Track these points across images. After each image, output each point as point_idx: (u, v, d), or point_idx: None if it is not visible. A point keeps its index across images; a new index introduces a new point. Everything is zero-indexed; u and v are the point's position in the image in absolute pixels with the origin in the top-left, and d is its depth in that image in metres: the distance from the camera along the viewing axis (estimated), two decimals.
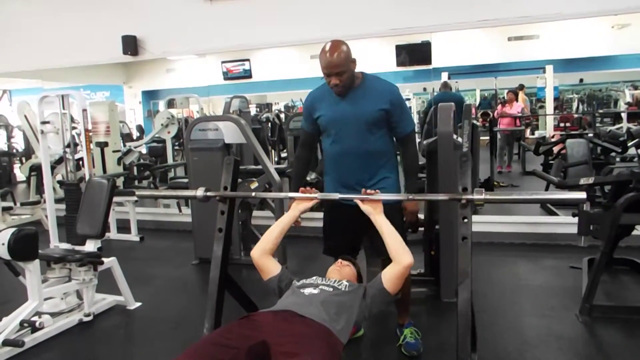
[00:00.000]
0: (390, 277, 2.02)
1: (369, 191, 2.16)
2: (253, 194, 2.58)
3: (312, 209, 2.32)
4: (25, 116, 6.50)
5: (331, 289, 2.01)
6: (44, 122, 4.79)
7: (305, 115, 2.72)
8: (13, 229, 2.86)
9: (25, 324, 2.91)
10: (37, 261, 2.95)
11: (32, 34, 6.07)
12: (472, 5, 4.44)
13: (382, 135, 2.57)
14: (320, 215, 2.82)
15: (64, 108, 4.76)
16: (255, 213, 4.90)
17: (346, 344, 1.88)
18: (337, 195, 2.26)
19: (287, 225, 2.26)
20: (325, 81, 2.52)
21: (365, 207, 2.14)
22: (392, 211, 2.35)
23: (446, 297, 3.37)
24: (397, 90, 2.59)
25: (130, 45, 5.54)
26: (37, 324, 2.95)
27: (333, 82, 2.43)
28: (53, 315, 3.19)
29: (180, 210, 5.93)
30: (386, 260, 2.11)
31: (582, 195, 1.91)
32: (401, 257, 2.02)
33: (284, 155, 8.45)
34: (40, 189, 6.21)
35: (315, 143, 2.84)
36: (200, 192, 2.31)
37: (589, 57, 9.47)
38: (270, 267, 2.17)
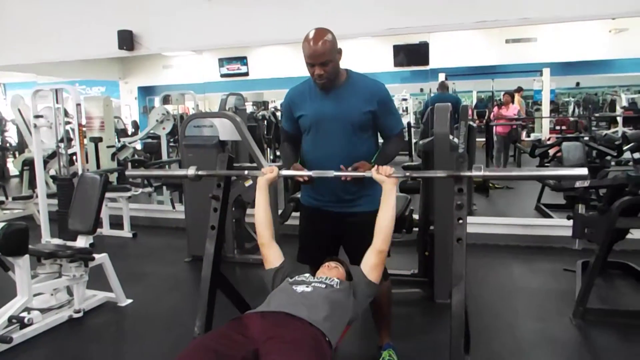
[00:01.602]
0: (370, 267, 2.04)
1: (381, 167, 2.11)
2: (246, 172, 2.65)
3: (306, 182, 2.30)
4: (19, 110, 6.44)
5: (324, 286, 1.98)
6: (37, 116, 4.75)
7: (285, 115, 2.52)
8: (3, 224, 2.83)
9: (14, 320, 2.88)
10: (26, 256, 2.92)
11: (27, 27, 6.01)
12: (471, 7, 4.42)
13: (368, 138, 2.40)
14: None
15: (57, 102, 4.72)
16: (249, 211, 4.87)
17: None
18: (331, 173, 2.19)
19: (265, 199, 2.23)
20: (306, 78, 2.38)
21: (378, 177, 2.10)
22: (371, 219, 2.12)
23: (440, 299, 3.36)
24: (384, 88, 2.41)
25: (126, 40, 5.49)
26: (26, 320, 2.93)
27: (317, 73, 2.23)
28: (42, 311, 3.15)
29: (174, 207, 5.90)
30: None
31: (584, 170, 1.90)
32: (380, 240, 2.03)
33: (279, 153, 8.42)
34: (32, 184, 6.15)
35: (299, 143, 2.53)
36: (191, 171, 2.33)
37: (586, 61, 9.50)
38: (274, 258, 2.16)
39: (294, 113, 2.44)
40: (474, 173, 1.95)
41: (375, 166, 2.13)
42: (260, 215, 2.21)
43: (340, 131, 2.32)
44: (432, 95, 6.96)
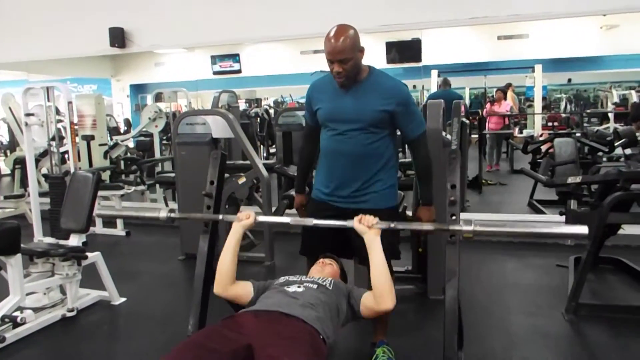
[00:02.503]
0: (367, 308, 1.97)
1: (363, 217, 2.02)
2: (220, 217, 2.32)
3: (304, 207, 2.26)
4: (10, 108, 6.40)
5: (316, 286, 1.97)
6: (28, 115, 4.71)
7: (306, 106, 2.55)
8: None
9: (7, 319, 2.87)
10: (19, 255, 2.90)
11: (17, 25, 5.97)
12: (462, 3, 4.44)
13: (384, 137, 2.37)
14: None
15: (48, 100, 4.69)
16: (242, 209, 4.87)
17: None
18: (311, 221, 2.15)
19: (235, 246, 2.11)
20: (317, 76, 2.42)
21: (359, 227, 1.99)
22: (387, 216, 2.17)
23: (433, 295, 3.37)
24: (405, 89, 2.39)
25: (118, 37, 5.46)
26: (18, 319, 2.91)
27: (336, 70, 2.23)
28: (35, 310, 3.13)
29: (167, 205, 5.88)
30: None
31: (584, 229, 1.79)
32: (382, 299, 1.91)
33: (272, 150, 8.42)
34: (24, 182, 6.11)
35: (319, 135, 2.54)
36: (163, 213, 2.25)
37: (577, 57, 9.57)
38: (243, 293, 2.05)
39: (313, 106, 2.45)
40: (464, 228, 1.87)
41: (359, 216, 2.02)
42: (227, 266, 2.06)
43: (357, 127, 2.31)
44: (431, 92, 6.95)
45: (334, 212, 2.37)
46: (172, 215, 2.25)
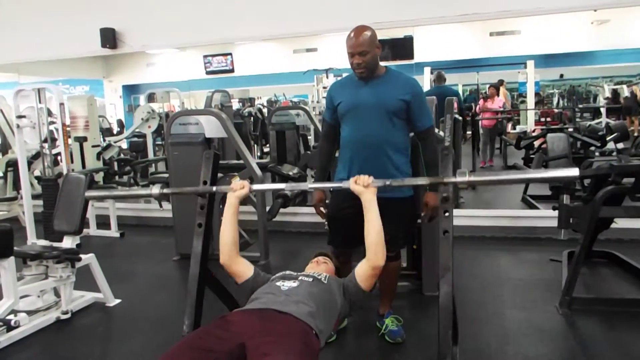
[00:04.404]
0: (362, 275, 1.99)
1: (359, 177, 2.06)
2: (214, 188, 2.30)
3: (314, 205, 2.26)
4: (1, 110, 6.35)
5: (311, 279, 1.98)
6: (19, 117, 4.68)
7: (327, 104, 2.77)
8: None
9: (0, 323, 2.84)
10: (12, 258, 2.88)
11: (7, 26, 5.92)
12: (453, 0, 4.44)
13: (402, 127, 2.60)
14: (305, 210, 2.81)
15: (40, 102, 4.66)
16: None
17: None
18: (306, 185, 2.27)
19: (233, 217, 2.15)
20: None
21: (355, 187, 2.04)
22: (403, 205, 2.56)
23: (428, 291, 3.38)
24: (418, 84, 2.66)
25: (109, 38, 5.43)
26: (12, 323, 2.88)
27: (356, 62, 2.47)
28: (29, 313, 3.11)
29: (161, 206, 5.86)
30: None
31: (575, 171, 1.82)
32: (374, 255, 1.95)
33: (266, 150, 8.41)
34: (17, 185, 6.08)
35: (337, 135, 2.75)
36: (155, 189, 2.25)
37: (569, 53, 9.61)
38: (244, 270, 2.09)
39: (334, 102, 2.66)
40: (458, 179, 1.91)
41: (354, 177, 2.08)
42: (228, 235, 2.11)
43: (377, 116, 2.53)
44: (426, 89, 6.96)
45: (357, 201, 2.42)
46: (165, 190, 2.27)
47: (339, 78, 2.81)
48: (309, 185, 2.24)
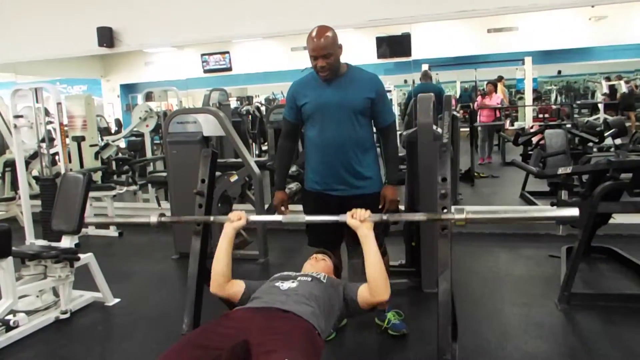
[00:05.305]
0: (364, 301, 1.94)
1: (356, 211, 2.01)
2: (211, 218, 2.28)
3: (293, 201, 2.28)
4: None
5: (310, 279, 1.97)
6: (17, 116, 4.67)
7: (288, 104, 2.69)
8: None
9: None
10: (10, 258, 2.88)
11: (4, 26, 5.91)
12: None
13: (367, 124, 2.60)
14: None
15: (37, 102, 4.65)
16: (235, 207, 4.86)
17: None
18: (304, 217, 2.23)
19: (228, 248, 2.08)
20: (308, 72, 2.58)
21: (352, 222, 1.99)
22: (377, 199, 2.59)
23: (427, 288, 3.38)
24: (380, 81, 2.64)
25: (106, 37, 5.42)
26: (11, 323, 2.89)
27: (320, 65, 2.43)
28: (28, 313, 3.12)
29: (159, 205, 5.86)
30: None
31: (575, 212, 1.79)
32: (378, 291, 1.89)
33: (264, 148, 8.41)
34: (15, 185, 6.07)
35: (299, 133, 2.80)
36: (154, 218, 2.20)
37: (567, 49, 9.61)
38: (235, 291, 2.03)
39: (298, 102, 2.61)
40: (457, 216, 1.86)
41: (351, 211, 2.01)
42: (222, 265, 2.04)
43: (343, 116, 2.51)
44: (415, 85, 6.98)
45: (332, 200, 2.56)
46: (163, 219, 2.20)
47: None
48: (306, 217, 2.21)
